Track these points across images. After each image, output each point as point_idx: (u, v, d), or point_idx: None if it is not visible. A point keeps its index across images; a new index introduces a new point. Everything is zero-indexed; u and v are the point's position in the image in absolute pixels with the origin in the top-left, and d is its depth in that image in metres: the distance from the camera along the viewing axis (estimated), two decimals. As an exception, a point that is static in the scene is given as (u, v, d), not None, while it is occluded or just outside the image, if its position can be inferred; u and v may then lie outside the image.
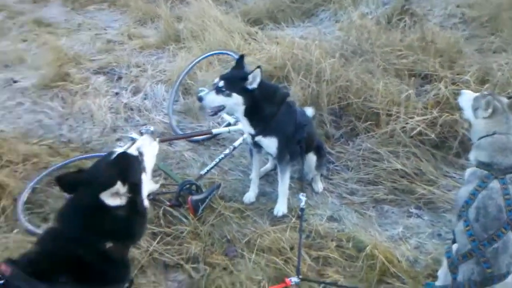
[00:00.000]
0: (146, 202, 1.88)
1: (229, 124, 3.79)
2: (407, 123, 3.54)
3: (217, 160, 3.42)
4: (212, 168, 3.40)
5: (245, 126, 3.01)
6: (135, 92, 4.76)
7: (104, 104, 4.46)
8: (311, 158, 3.23)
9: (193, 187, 3.20)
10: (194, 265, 2.68)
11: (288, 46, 4.80)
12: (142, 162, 1.91)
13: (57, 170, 3.31)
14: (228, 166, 3.63)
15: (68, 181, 1.74)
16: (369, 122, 3.78)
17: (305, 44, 4.71)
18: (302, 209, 2.86)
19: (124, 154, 1.85)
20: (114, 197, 1.65)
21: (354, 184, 3.40)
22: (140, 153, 1.94)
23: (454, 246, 2.20)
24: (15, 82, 4.99)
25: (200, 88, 4.15)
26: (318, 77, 4.16)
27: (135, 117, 4.37)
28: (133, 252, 2.68)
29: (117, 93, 4.76)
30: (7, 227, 2.96)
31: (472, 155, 2.27)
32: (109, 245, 1.66)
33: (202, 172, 3.36)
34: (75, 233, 1.62)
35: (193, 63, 4.56)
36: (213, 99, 2.87)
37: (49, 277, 1.50)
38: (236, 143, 3.53)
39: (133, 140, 3.58)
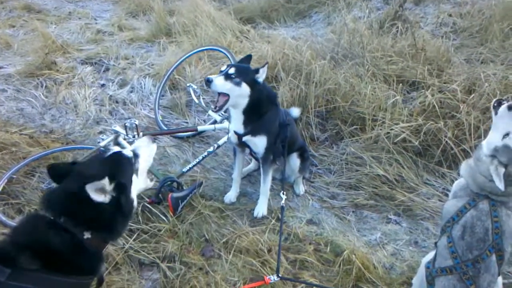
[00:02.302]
0: (134, 202, 1.89)
1: (214, 122, 3.76)
2: (391, 129, 3.54)
3: (200, 158, 3.40)
4: (194, 165, 3.37)
5: (235, 124, 2.93)
6: (122, 84, 4.71)
7: (89, 95, 4.41)
8: (295, 160, 3.21)
9: (174, 184, 3.17)
10: (170, 264, 2.65)
11: (279, 45, 4.78)
12: (135, 164, 1.91)
13: (35, 160, 3.26)
14: (211, 165, 3.60)
15: (59, 170, 1.75)
16: (354, 127, 3.78)
17: (297, 45, 4.70)
18: (282, 207, 2.84)
19: (117, 154, 1.86)
20: (99, 192, 1.65)
21: (335, 188, 3.39)
22: (135, 155, 1.93)
23: (430, 255, 2.20)
24: (-1, 68, 4.91)
25: (188, 84, 4.14)
26: (307, 78, 4.15)
27: (119, 110, 4.32)
28: (108, 248, 2.64)
29: (103, 85, 4.71)
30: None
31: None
32: (87, 235, 1.67)
33: (184, 170, 3.33)
34: (55, 217, 1.63)
35: (183, 58, 4.52)
36: (222, 84, 2.72)
37: (18, 263, 1.49)
38: (220, 142, 3.50)
39: (116, 133, 3.57)
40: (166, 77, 4.42)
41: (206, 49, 4.80)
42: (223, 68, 2.83)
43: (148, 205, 3.03)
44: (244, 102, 2.81)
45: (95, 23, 6.41)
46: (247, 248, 2.76)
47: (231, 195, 3.22)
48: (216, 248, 2.79)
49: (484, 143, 2.08)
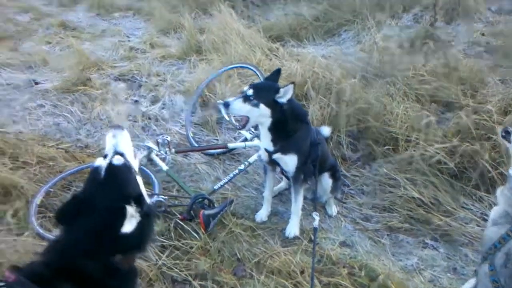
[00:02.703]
0: (149, 201, 1.76)
1: (245, 140, 3.78)
2: (426, 150, 3.47)
3: (231, 175, 3.40)
4: (225, 183, 3.38)
5: (264, 141, 2.93)
6: (154, 101, 4.78)
7: (123, 111, 4.49)
8: (327, 180, 3.18)
9: (206, 201, 3.17)
10: (202, 282, 2.64)
11: (309, 64, 4.78)
12: (130, 166, 1.72)
13: (71, 175, 3.33)
14: (241, 182, 3.60)
15: (66, 212, 1.61)
16: (387, 147, 3.72)
17: (326, 64, 4.70)
18: (315, 228, 2.78)
19: (114, 167, 1.66)
20: (131, 222, 1.56)
21: (368, 210, 3.33)
22: (122, 154, 1.71)
23: (469, 283, 2.13)
24: (36, 83, 5.05)
25: (219, 101, 4.17)
26: (338, 97, 4.12)
27: (152, 126, 4.38)
28: (142, 264, 2.66)
29: (136, 101, 4.79)
30: (19, 230, 2.93)
31: None
32: (118, 257, 1.61)
33: (216, 187, 3.33)
34: (86, 247, 1.55)
35: (213, 75, 4.57)
36: (239, 107, 2.75)
37: (52, 286, 1.46)
38: (251, 159, 3.51)
39: (149, 149, 3.62)
40: (197, 94, 4.47)
41: (235, 67, 4.84)
42: (245, 88, 2.83)
43: (180, 222, 3.04)
44: (267, 121, 2.80)
45: (128, 40, 6.56)
46: (279, 269, 2.72)
47: (262, 214, 3.20)
48: (248, 268, 2.76)
49: (510, 171, 2.04)
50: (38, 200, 3.12)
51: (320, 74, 4.49)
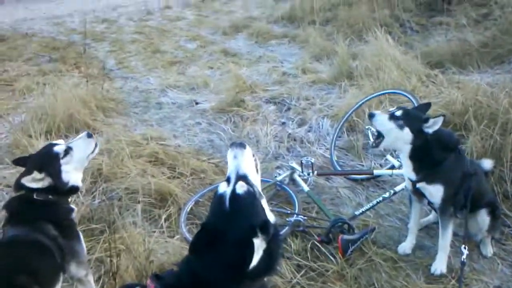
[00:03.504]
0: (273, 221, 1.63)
1: (392, 167, 3.57)
2: None
3: (374, 202, 3.24)
4: (368, 210, 3.23)
5: (406, 169, 2.75)
6: (301, 124, 4.86)
7: (270, 132, 4.65)
8: (483, 217, 2.81)
9: (345, 226, 3.07)
10: (335, 308, 2.53)
11: (471, 92, 4.36)
12: (254, 191, 1.59)
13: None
14: (385, 211, 3.39)
15: (198, 246, 1.51)
16: None
17: (492, 92, 4.23)
18: (462, 263, 2.48)
19: (235, 197, 1.54)
20: (258, 253, 1.47)
21: (533, 255, 2.85)
22: (245, 177, 1.60)
23: None
24: (197, 103, 5.57)
25: (367, 127, 4.05)
26: (504, 129, 3.67)
27: (296, 148, 4.44)
28: (277, 280, 2.66)
29: (283, 123, 4.93)
30: (170, 233, 3.20)
31: None
32: (246, 283, 1.51)
33: (357, 213, 3.21)
34: (216, 276, 1.49)
35: (363, 100, 4.47)
36: (383, 121, 2.65)
37: None
38: (397, 188, 3.29)
39: (293, 170, 3.66)
40: (344, 118, 4.40)
41: (388, 92, 4.67)
42: (393, 108, 2.72)
43: (317, 243, 2.98)
44: (404, 147, 2.64)
45: (281, 66, 6.85)
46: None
47: (406, 246, 2.96)
48: (386, 301, 2.57)
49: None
50: (188, 208, 3.38)
51: (484, 103, 4.05)
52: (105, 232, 2.99)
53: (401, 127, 2.60)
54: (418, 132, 2.59)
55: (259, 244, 1.47)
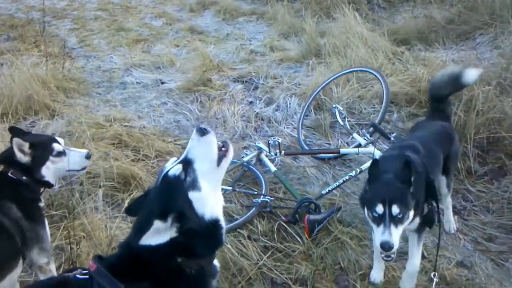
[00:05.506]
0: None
1: (359, 145, 3.57)
2: None
3: (340, 181, 3.24)
4: (334, 189, 3.23)
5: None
6: (268, 103, 4.80)
7: (238, 111, 4.57)
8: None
9: (312, 205, 3.06)
10: (301, 288, 2.53)
11: (436, 69, 4.39)
12: (183, 180, 1.54)
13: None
14: (351, 189, 3.41)
15: (133, 207, 1.70)
16: (522, 162, 3.24)
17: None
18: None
19: (165, 177, 1.56)
20: (155, 236, 1.48)
21: (493, 230, 2.95)
22: (189, 163, 1.57)
23: None
24: (162, 83, 5.41)
25: (334, 105, 4.02)
26: (467, 105, 3.72)
27: (264, 127, 4.39)
28: (243, 263, 2.64)
29: (251, 102, 4.85)
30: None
31: None
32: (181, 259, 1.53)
33: (324, 192, 3.21)
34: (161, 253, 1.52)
35: (331, 78, 4.43)
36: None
37: (131, 281, 1.44)
38: (363, 166, 3.29)
39: (260, 150, 3.61)
40: (312, 97, 4.37)
41: (355, 71, 4.65)
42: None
43: (284, 224, 2.97)
44: None
45: (249, 44, 6.71)
46: (388, 281, 2.51)
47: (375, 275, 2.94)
48: (351, 279, 2.59)
49: None
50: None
51: (449, 79, 4.08)
52: (65, 218, 2.89)
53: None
54: None
55: (161, 228, 1.46)
